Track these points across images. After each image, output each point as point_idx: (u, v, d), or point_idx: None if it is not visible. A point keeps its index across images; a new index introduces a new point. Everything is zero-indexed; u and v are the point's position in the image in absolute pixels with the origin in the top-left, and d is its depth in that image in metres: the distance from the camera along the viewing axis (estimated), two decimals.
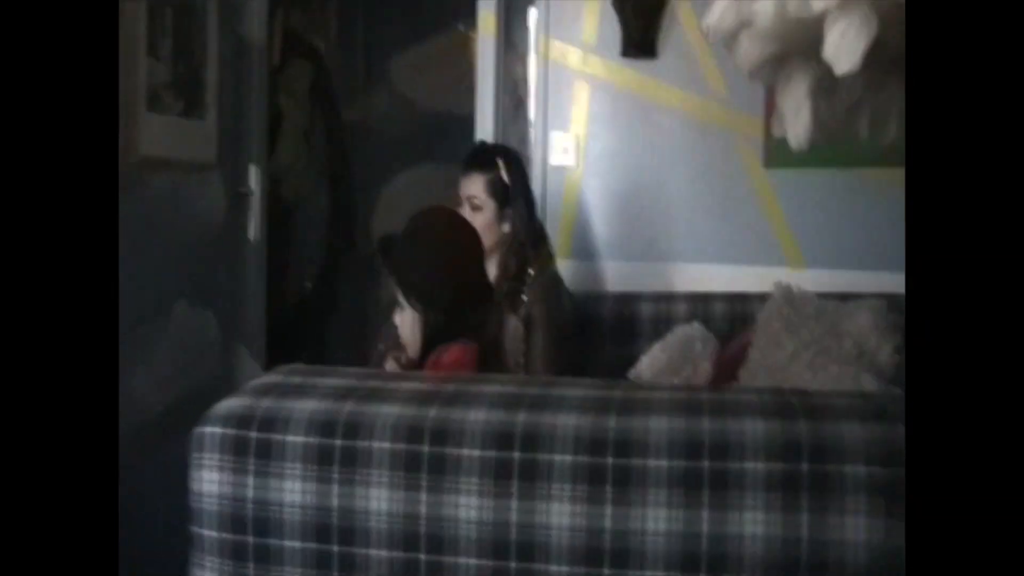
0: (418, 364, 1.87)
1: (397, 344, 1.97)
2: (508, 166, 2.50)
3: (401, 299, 1.90)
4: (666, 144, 2.92)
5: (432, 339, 1.84)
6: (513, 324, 2.32)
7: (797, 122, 1.73)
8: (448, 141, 3.74)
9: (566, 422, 1.16)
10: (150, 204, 2.76)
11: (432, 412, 1.20)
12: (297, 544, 1.21)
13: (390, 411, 1.21)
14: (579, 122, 3.00)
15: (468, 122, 3.25)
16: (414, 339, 1.88)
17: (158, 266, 2.78)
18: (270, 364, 3.10)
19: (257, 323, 3.25)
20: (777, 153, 2.78)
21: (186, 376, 2.87)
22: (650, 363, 2.25)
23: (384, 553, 1.18)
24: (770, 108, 2.71)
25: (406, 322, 1.90)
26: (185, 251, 2.91)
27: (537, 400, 1.21)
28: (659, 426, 1.14)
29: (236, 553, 1.24)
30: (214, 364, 3.04)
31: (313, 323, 4.09)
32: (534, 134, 3.09)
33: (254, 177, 3.19)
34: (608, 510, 1.12)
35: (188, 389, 2.86)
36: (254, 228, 3.23)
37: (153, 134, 2.63)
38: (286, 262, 3.86)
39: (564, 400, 1.21)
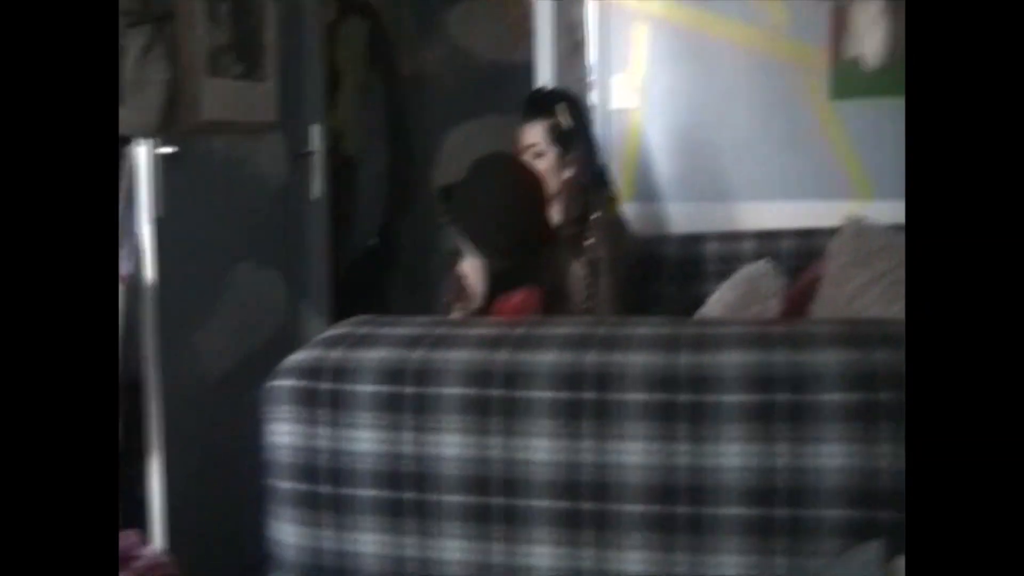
0: (483, 312, 1.87)
1: (461, 294, 1.97)
2: (568, 111, 2.49)
3: (465, 247, 1.89)
4: (728, 80, 2.86)
5: (497, 286, 1.84)
6: (577, 268, 2.31)
7: (870, 40, 1.68)
8: (507, 90, 3.71)
9: (637, 360, 1.14)
10: (213, 167, 2.80)
11: (501, 356, 1.19)
12: (371, 492, 1.22)
13: (459, 356, 1.20)
14: (639, 63, 2.95)
15: (526, 69, 3.23)
16: (479, 287, 1.88)
17: (223, 228, 2.82)
18: (335, 320, 3.13)
19: (321, 280, 3.29)
20: (843, 83, 2.71)
21: (253, 334, 2.92)
22: (718, 302, 2.22)
23: (457, 498, 1.18)
24: (836, 35, 2.64)
25: (470, 270, 1.90)
26: (249, 212, 2.95)
27: (607, 340, 1.19)
28: (732, 360, 1.12)
29: (312, 503, 1.25)
30: (280, 322, 3.08)
31: (376, 278, 4.12)
32: (593, 77, 3.05)
33: (314, 136, 3.21)
34: (682, 447, 1.10)
35: (256, 347, 2.90)
36: (316, 186, 3.25)
37: (214, 97, 2.65)
38: (348, 219, 3.89)
39: (634, 338, 1.19)
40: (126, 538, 2.81)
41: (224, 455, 2.65)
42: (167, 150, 2.57)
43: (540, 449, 1.14)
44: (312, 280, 3.25)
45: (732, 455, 1.10)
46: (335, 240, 3.42)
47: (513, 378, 1.16)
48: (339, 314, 3.15)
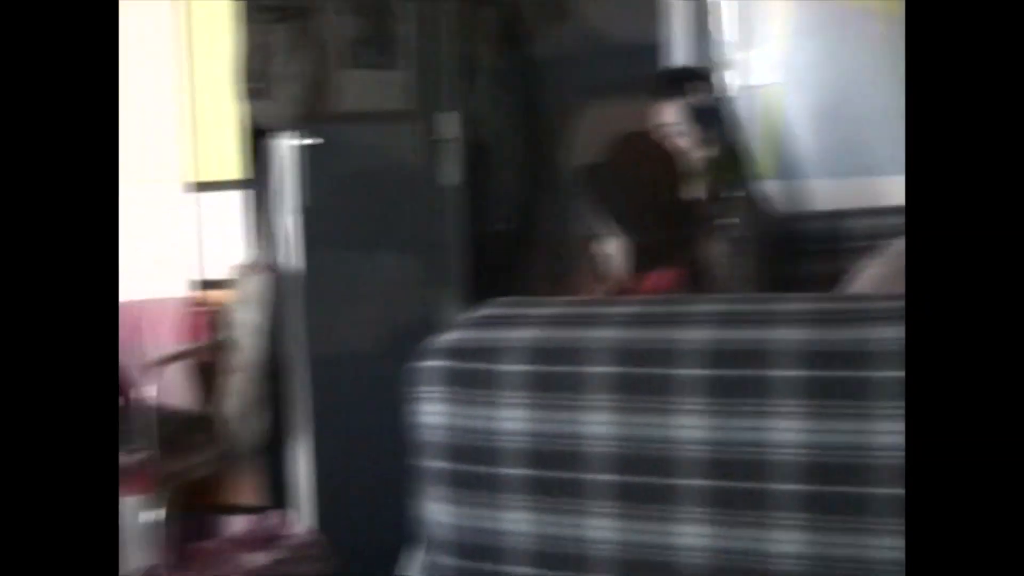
0: (623, 292, 1.86)
1: (599, 276, 1.97)
2: (704, 89, 2.46)
3: (605, 228, 1.89)
4: (872, 51, 2.77)
5: (638, 265, 1.83)
6: (717, 247, 2.28)
7: None
8: (640, 70, 3.67)
9: (791, 336, 1.12)
10: (353, 156, 2.86)
11: (649, 333, 1.18)
12: (521, 471, 1.22)
13: (606, 335, 1.20)
14: (779, 37, 2.89)
15: (659, 49, 3.20)
16: (619, 267, 1.87)
17: (363, 215, 2.88)
18: (473, 304, 3.17)
19: (458, 265, 3.33)
20: None
21: (393, 319, 2.97)
22: (869, 278, 2.16)
23: (606, 477, 1.18)
24: None
25: (610, 251, 1.89)
26: (387, 199, 3.00)
27: (759, 316, 1.17)
28: (889, 335, 1.09)
29: (461, 482, 1.26)
30: (419, 306, 3.14)
31: (512, 262, 4.13)
32: (729, 54, 3.00)
33: (450, 123, 3.25)
34: (840, 425, 1.08)
35: (396, 332, 2.96)
36: (452, 173, 3.29)
37: (353, 88, 2.72)
38: (484, 204, 3.91)
39: (787, 314, 1.16)
40: (273, 518, 2.91)
41: (369, 436, 2.71)
42: (311, 141, 2.65)
43: (692, 427, 1.13)
44: (449, 265, 3.30)
45: (891, 433, 1.06)
46: (471, 225, 3.46)
47: (661, 356, 1.15)
48: (476, 298, 3.18)
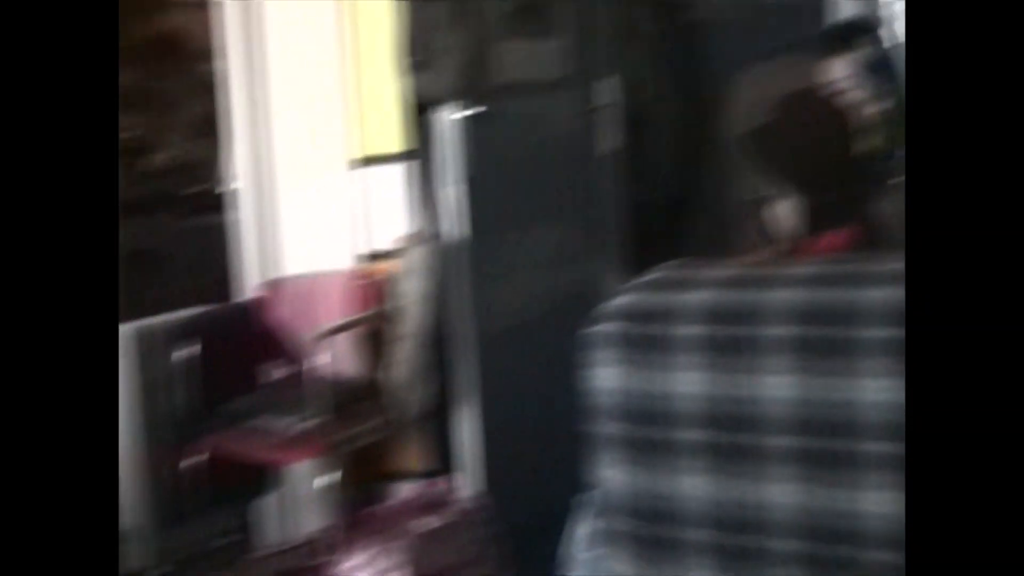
0: (794, 253, 1.83)
1: (765, 240, 1.94)
2: (868, 43, 2.38)
3: (775, 190, 1.86)
4: None
5: (810, 225, 1.79)
6: (892, 204, 2.21)
7: None
8: (798, 28, 3.57)
9: None
10: (512, 126, 2.89)
11: (829, 294, 1.16)
12: (696, 434, 1.22)
13: (785, 296, 1.18)
14: None
15: (817, 5, 3.10)
16: (791, 229, 1.84)
17: (519, 186, 2.91)
18: (632, 271, 3.16)
19: (618, 232, 3.32)
20: None
21: (555, 286, 3.00)
22: None
23: (785, 440, 1.17)
24: None
25: (780, 213, 1.86)
26: (546, 168, 3.02)
27: None
28: None
29: (635, 445, 1.27)
30: (579, 273, 3.15)
31: (671, 228, 4.10)
32: (897, 5, 2.88)
33: (606, 90, 3.24)
34: None
35: (558, 298, 2.98)
36: (609, 140, 3.28)
37: (510, 58, 2.74)
38: (643, 170, 3.89)
39: None
40: (441, 483, 2.98)
41: (534, 400, 2.75)
42: (472, 112, 2.69)
43: (876, 390, 1.10)
44: (609, 231, 3.30)
45: None
46: (631, 191, 3.44)
47: (845, 317, 1.13)
48: (637, 265, 3.18)
